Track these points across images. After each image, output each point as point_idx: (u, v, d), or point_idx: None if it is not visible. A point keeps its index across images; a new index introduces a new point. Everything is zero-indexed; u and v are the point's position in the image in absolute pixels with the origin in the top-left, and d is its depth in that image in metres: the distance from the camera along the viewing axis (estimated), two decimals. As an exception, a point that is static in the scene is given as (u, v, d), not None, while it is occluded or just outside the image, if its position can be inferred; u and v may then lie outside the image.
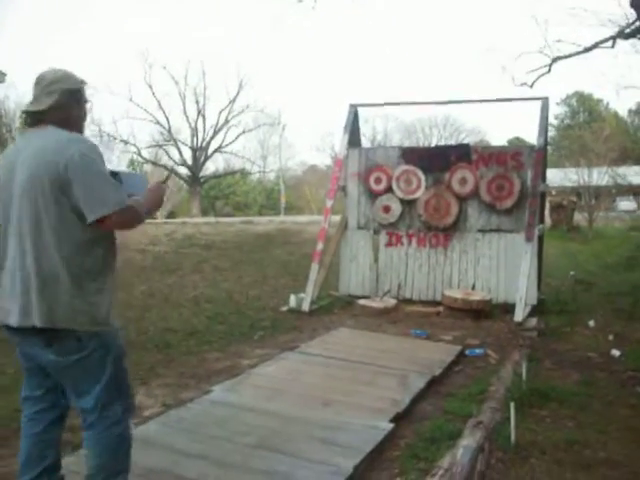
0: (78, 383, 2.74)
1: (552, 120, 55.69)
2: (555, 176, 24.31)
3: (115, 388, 2.77)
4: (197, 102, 42.83)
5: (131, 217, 2.76)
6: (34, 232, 2.62)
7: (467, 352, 6.66)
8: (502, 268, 9.25)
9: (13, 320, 2.65)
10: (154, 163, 44.94)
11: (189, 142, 43.29)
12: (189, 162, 43.20)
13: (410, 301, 9.56)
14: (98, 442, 2.75)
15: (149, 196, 2.93)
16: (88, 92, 2.96)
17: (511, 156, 9.37)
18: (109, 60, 68.52)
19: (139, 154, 42.99)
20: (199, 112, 43.00)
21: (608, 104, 56.43)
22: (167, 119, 42.03)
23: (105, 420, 2.74)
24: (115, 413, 2.76)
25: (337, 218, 10.58)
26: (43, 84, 2.76)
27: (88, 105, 2.96)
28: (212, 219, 25.85)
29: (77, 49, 65.79)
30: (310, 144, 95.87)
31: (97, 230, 2.69)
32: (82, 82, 2.89)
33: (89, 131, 36.04)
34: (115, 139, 40.25)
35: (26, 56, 58.68)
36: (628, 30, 11.12)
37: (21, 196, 2.64)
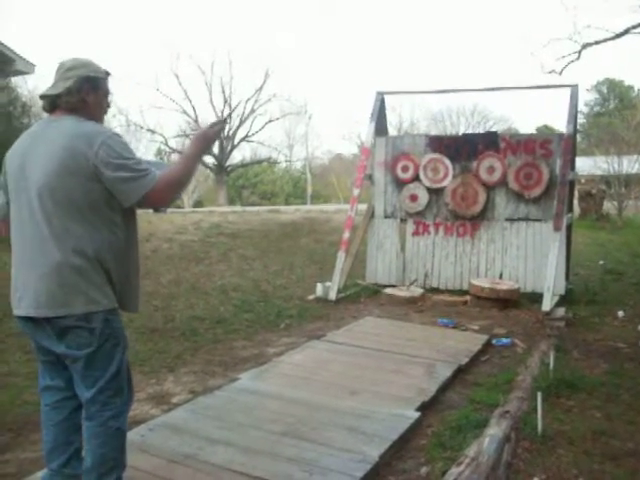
0: (85, 374, 2.75)
1: (582, 107, 55.02)
2: (584, 164, 23.95)
3: (119, 381, 2.80)
4: (223, 91, 43.01)
5: (167, 188, 2.72)
6: (57, 222, 2.65)
7: (494, 341, 6.63)
8: (530, 257, 9.18)
9: (24, 310, 2.71)
10: (181, 153, 45.13)
11: (216, 131, 43.34)
12: (215, 151, 43.33)
13: (437, 290, 9.53)
14: (97, 435, 2.76)
15: (193, 144, 2.92)
16: (112, 82, 2.96)
17: (540, 144, 9.27)
18: (136, 50, 68.88)
19: (166, 144, 43.32)
20: (225, 101, 43.16)
21: (639, 91, 55.56)
22: (193, 108, 42.23)
23: (106, 412, 2.76)
24: (116, 406, 2.79)
25: (364, 207, 10.57)
26: (62, 70, 2.81)
27: (109, 97, 2.96)
28: (239, 208, 25.95)
29: (105, 39, 66.19)
30: (336, 133, 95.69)
31: (125, 214, 2.78)
32: (104, 72, 2.90)
33: (116, 121, 36.35)
34: (142, 129, 40.61)
35: (55, 47, 59.19)
36: (660, 15, 10.92)
37: (45, 189, 2.64)
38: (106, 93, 2.93)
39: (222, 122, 3.06)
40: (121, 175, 2.64)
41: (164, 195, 2.74)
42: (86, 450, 2.80)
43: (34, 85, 24.83)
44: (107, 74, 2.92)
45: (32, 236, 2.68)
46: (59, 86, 2.77)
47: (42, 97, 2.83)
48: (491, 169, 9.42)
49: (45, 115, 2.90)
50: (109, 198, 2.69)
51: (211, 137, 2.95)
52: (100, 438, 2.76)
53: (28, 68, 13.66)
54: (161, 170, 2.76)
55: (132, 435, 3.68)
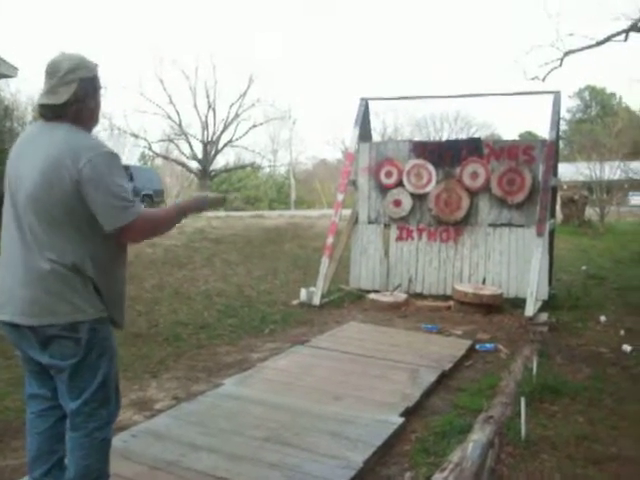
0: (70, 385, 2.67)
1: (564, 114, 55.46)
2: (567, 170, 24.16)
3: (105, 391, 2.71)
4: (207, 96, 42.98)
5: (144, 227, 2.68)
6: (39, 231, 2.57)
7: (477, 347, 6.65)
8: (513, 263, 9.22)
9: (9, 316, 2.63)
10: (165, 157, 45.13)
11: (200, 136, 43.40)
12: (199, 156, 43.31)
13: (420, 295, 9.54)
14: (81, 446, 2.69)
15: (189, 201, 2.90)
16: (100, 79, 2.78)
17: (523, 150, 9.32)
18: (119, 54, 68.63)
19: (150, 148, 43.23)
20: (209, 106, 43.14)
21: (621, 98, 56.14)
22: (177, 113, 42.18)
23: (91, 424, 2.68)
24: (101, 417, 2.71)
25: (348, 212, 10.58)
26: (60, 73, 2.59)
27: (102, 91, 2.81)
28: (222, 213, 25.88)
29: (88, 42, 65.84)
30: (320, 138, 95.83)
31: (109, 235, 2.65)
32: (96, 66, 2.74)
33: (99, 125, 36.20)
34: (126, 133, 40.46)
35: (37, 48, 58.92)
36: (641, 23, 11.05)
37: (29, 197, 2.57)
38: (100, 88, 2.78)
39: (222, 200, 3.07)
40: (101, 199, 2.53)
41: (139, 234, 2.69)
42: (69, 460, 2.73)
43: (17, 88, 24.67)
44: (97, 66, 2.75)
45: (18, 243, 2.61)
46: (61, 93, 2.60)
47: (42, 106, 2.65)
48: (474, 175, 9.45)
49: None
50: (91, 216, 2.57)
51: (208, 202, 2.96)
52: (84, 450, 2.69)
53: (11, 71, 13.52)
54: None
55: (114, 441, 3.62)
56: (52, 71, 2.63)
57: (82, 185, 2.51)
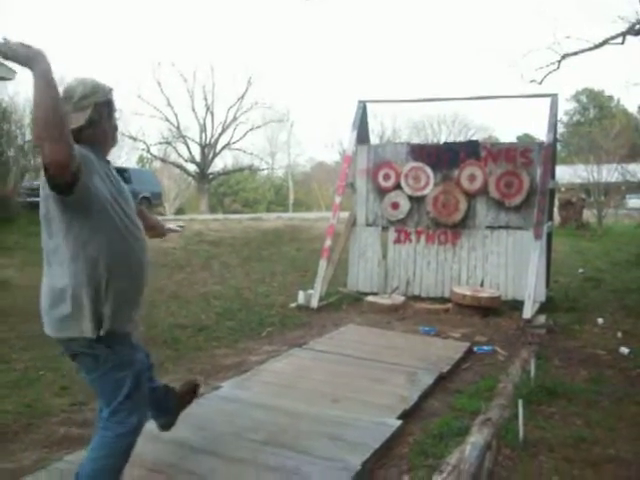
0: (99, 394, 2.84)
1: (561, 116, 55.48)
2: (564, 173, 24.19)
3: (134, 401, 2.79)
4: (205, 99, 43.00)
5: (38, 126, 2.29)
6: (46, 248, 2.68)
7: (475, 349, 6.66)
8: (511, 265, 9.23)
9: (44, 328, 2.75)
10: (163, 160, 45.12)
11: (198, 139, 43.41)
12: (197, 159, 43.32)
13: (418, 298, 9.54)
14: (107, 445, 2.77)
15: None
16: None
17: (520, 153, 9.34)
18: (117, 56, 68.68)
19: (148, 151, 43.19)
20: (207, 109, 43.15)
21: (619, 100, 56.10)
22: (176, 116, 42.19)
23: (119, 428, 2.76)
24: (130, 423, 2.79)
25: (346, 214, 10.59)
26: (74, 99, 2.64)
27: (117, 114, 2.87)
28: (220, 216, 25.89)
29: (85, 45, 65.92)
30: (318, 140, 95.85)
31: (100, 246, 2.65)
32: (110, 90, 2.76)
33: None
34: (124, 135, 40.43)
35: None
36: (638, 26, 11.07)
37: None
38: (115, 111, 2.82)
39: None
40: None
41: (39, 136, 2.29)
42: (89, 455, 2.80)
43: (14, 90, 24.71)
44: (112, 90, 2.78)
45: (45, 262, 2.72)
46: (76, 119, 2.60)
47: None
48: (472, 177, 9.46)
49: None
50: (74, 236, 2.60)
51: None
52: (109, 450, 2.77)
53: (9, 74, 13.55)
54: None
55: (113, 444, 3.65)
56: (66, 97, 2.64)
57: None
